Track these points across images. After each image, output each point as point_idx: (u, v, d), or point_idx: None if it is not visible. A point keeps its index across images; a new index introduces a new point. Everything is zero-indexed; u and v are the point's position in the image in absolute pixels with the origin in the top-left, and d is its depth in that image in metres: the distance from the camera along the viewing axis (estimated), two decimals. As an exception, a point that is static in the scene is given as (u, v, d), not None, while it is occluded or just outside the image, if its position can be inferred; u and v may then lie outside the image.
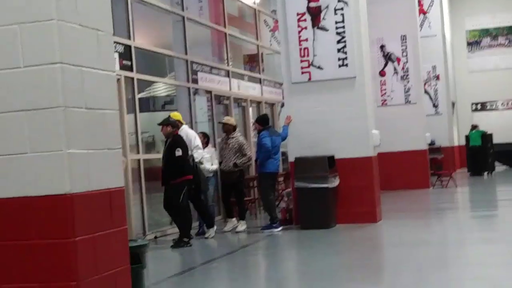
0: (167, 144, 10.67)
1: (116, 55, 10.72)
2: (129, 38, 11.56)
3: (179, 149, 10.44)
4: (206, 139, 12.28)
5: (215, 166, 12.18)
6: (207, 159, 11.83)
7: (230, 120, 12.48)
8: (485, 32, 30.11)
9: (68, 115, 4.38)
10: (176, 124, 10.82)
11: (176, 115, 11.33)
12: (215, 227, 11.53)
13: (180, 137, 10.75)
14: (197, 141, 11.34)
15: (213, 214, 12.00)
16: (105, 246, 4.62)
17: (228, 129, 12.19)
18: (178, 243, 10.45)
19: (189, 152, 10.93)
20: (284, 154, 14.57)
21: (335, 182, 11.67)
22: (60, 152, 4.35)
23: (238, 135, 12.25)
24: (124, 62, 11.30)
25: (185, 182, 10.58)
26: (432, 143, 21.59)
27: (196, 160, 11.20)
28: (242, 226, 12.04)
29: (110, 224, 4.70)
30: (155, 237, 11.58)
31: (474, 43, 30.36)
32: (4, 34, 4.43)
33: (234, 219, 12.21)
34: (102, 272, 4.57)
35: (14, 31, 4.41)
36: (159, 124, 10.81)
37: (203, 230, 11.68)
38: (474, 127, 25.02)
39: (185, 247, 10.37)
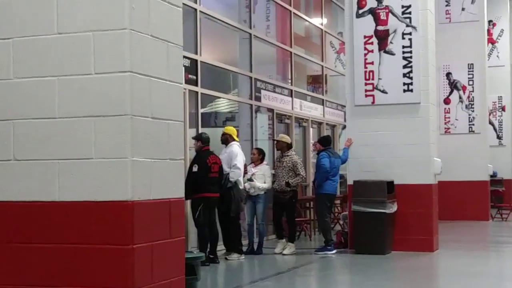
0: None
1: (183, 69, 10.83)
2: (196, 52, 11.69)
3: (196, 165, 10.36)
4: (261, 156, 11.90)
5: (266, 185, 11.69)
6: (259, 176, 11.61)
7: (284, 137, 12.14)
8: (555, 65, 29.48)
9: (135, 124, 4.44)
10: (207, 140, 10.60)
11: (229, 129, 11.34)
12: (242, 256, 11.09)
13: (203, 153, 10.50)
14: (237, 160, 10.93)
15: (262, 234, 11.76)
16: (162, 255, 4.65)
17: (282, 147, 11.88)
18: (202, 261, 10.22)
19: (227, 170, 10.83)
20: (343, 176, 14.46)
21: (393, 208, 11.53)
22: (124, 159, 4.41)
23: (292, 154, 11.87)
24: (190, 76, 11.42)
25: (202, 199, 10.33)
26: (494, 175, 21.19)
27: (232, 179, 10.84)
28: (290, 249, 11.67)
29: (168, 233, 4.73)
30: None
31: (542, 75, 29.74)
32: (78, 40, 4.53)
33: (284, 240, 11.89)
34: (157, 281, 4.60)
35: (88, 38, 4.50)
36: (193, 138, 10.82)
37: (252, 248, 11.64)
38: None
39: (206, 265, 9.83)
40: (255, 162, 11.80)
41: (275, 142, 12.11)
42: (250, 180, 11.47)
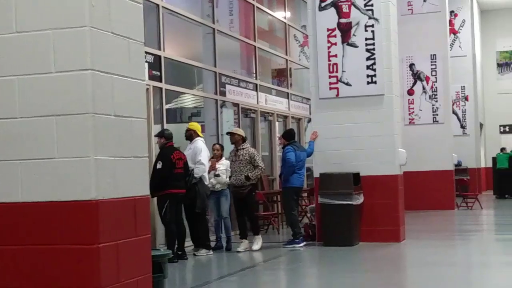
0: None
1: (146, 65, 10.78)
2: (159, 48, 11.63)
3: (160, 162, 10.29)
4: (221, 151, 11.86)
5: (229, 179, 11.62)
6: (222, 171, 11.55)
7: (239, 130, 11.85)
8: (516, 54, 29.91)
9: (97, 122, 4.40)
10: (170, 136, 10.54)
11: (193, 125, 11.31)
12: (210, 251, 11.10)
13: (167, 150, 10.43)
14: (201, 156, 10.90)
15: (228, 228, 11.72)
16: (128, 253, 4.62)
17: (237, 140, 11.52)
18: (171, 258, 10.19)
19: (192, 166, 10.81)
20: (310, 169, 14.52)
21: (359, 200, 11.61)
22: (87, 158, 4.36)
23: (248, 146, 11.60)
24: (153, 72, 11.36)
25: (168, 195, 10.28)
26: (458, 164, 21.45)
27: (196, 175, 10.81)
28: (257, 243, 11.47)
29: (133, 232, 4.70)
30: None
31: (504, 65, 30.18)
32: (37, 39, 4.47)
33: (247, 240, 11.52)
34: (124, 279, 4.57)
35: (47, 36, 4.44)
36: (155, 136, 10.76)
37: (220, 244, 11.65)
38: (502, 149, 24.79)
39: (174, 262, 9.87)
40: (217, 157, 11.72)
41: (230, 135, 11.72)
42: (217, 175, 11.43)
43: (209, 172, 11.35)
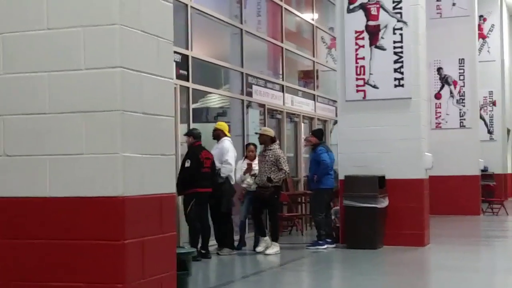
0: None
1: (174, 65, 10.81)
2: (187, 48, 11.67)
3: (188, 160, 10.33)
4: (256, 151, 11.80)
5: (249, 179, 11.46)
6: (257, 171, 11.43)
7: (267, 130, 11.55)
8: (545, 60, 29.60)
9: (125, 119, 4.43)
10: (198, 136, 10.54)
11: (221, 125, 11.33)
12: (233, 251, 11.09)
13: (196, 149, 10.46)
14: (228, 155, 10.90)
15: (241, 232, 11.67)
16: (153, 250, 4.65)
17: (265, 140, 11.24)
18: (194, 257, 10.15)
19: (219, 165, 10.83)
20: (335, 171, 14.46)
21: (384, 203, 11.56)
22: (115, 155, 4.40)
23: (276, 148, 11.26)
24: (181, 71, 11.41)
25: (194, 194, 10.32)
26: (485, 170, 21.26)
27: (223, 175, 10.83)
28: (273, 248, 11.15)
29: (159, 229, 4.73)
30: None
31: (533, 71, 29.85)
32: (67, 36, 4.52)
33: (267, 237, 11.30)
34: (148, 276, 4.60)
35: (78, 34, 4.49)
36: (184, 135, 10.80)
37: (244, 243, 11.62)
38: None
39: (197, 260, 9.68)
40: (252, 158, 11.65)
41: (258, 135, 11.57)
42: (254, 175, 11.33)
43: (245, 173, 11.36)
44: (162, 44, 4.85)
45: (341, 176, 11.96)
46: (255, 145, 11.99)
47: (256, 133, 11.92)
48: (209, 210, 10.87)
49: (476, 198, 18.95)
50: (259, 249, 11.22)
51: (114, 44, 4.43)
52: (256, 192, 11.30)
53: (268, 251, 11.07)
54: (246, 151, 11.92)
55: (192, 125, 11.66)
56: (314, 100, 17.63)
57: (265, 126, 14.47)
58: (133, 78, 4.53)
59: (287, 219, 14.51)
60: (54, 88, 4.54)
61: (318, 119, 17.77)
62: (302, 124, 16.92)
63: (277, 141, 11.63)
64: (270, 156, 11.10)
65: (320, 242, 11.70)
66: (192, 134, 10.61)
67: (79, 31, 4.49)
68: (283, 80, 15.83)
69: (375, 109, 11.92)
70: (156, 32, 4.78)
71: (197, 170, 10.34)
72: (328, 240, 11.77)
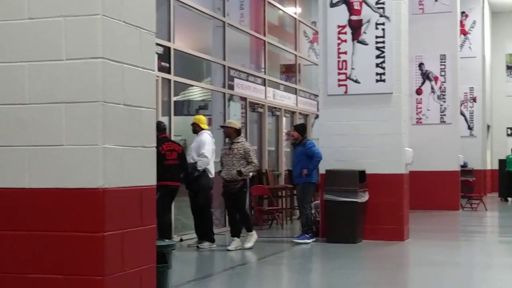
0: None
1: (155, 57, 10.77)
2: (169, 40, 11.63)
3: None
4: None
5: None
6: None
7: (232, 123, 11.22)
8: (525, 57, 29.82)
9: (106, 110, 4.40)
10: (162, 128, 10.25)
11: (198, 118, 11.21)
12: (213, 244, 10.96)
13: (159, 141, 10.03)
14: (205, 149, 10.80)
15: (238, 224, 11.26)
16: (133, 243, 4.63)
17: (231, 133, 10.92)
18: None
19: (196, 158, 10.78)
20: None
21: (364, 197, 11.61)
22: (95, 146, 4.37)
23: (243, 140, 11.02)
24: (163, 63, 11.37)
25: (161, 187, 9.84)
26: (464, 165, 21.40)
27: (199, 168, 10.74)
28: (249, 241, 10.90)
29: (139, 221, 4.71)
30: (181, 240, 11.60)
31: (513, 67, 30.07)
32: (48, 26, 4.47)
33: (238, 239, 10.90)
34: (128, 269, 4.58)
35: (59, 24, 4.45)
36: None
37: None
38: None
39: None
40: None
41: (224, 128, 11.19)
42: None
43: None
44: (144, 35, 4.81)
45: (322, 170, 11.98)
46: None
47: (220, 126, 11.53)
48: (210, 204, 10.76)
49: (456, 194, 19.10)
50: (230, 247, 10.79)
51: (96, 34, 4.39)
52: (224, 187, 11.01)
53: (246, 245, 10.86)
54: None
55: (174, 118, 11.63)
56: (295, 94, 17.64)
57: (246, 119, 14.50)
58: (115, 69, 4.50)
59: (268, 213, 14.53)
60: (34, 79, 4.50)
61: (300, 113, 17.79)
62: (284, 118, 16.93)
63: (242, 134, 11.33)
64: (239, 149, 10.79)
65: (308, 235, 11.66)
66: (156, 127, 10.47)
67: (60, 21, 4.45)
68: (265, 73, 15.83)
69: (357, 104, 11.95)
70: (138, 23, 4.75)
71: (159, 163, 10.17)
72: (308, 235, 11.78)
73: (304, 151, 11.79)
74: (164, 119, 11.38)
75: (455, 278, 8.79)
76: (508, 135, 29.86)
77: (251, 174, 11.29)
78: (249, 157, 10.79)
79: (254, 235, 11.03)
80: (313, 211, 12.46)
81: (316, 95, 16.30)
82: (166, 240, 5.86)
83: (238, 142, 10.86)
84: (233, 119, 13.80)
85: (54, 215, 4.44)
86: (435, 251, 11.28)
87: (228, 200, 11.07)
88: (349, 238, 11.38)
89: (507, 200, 23.75)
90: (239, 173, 10.72)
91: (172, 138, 11.65)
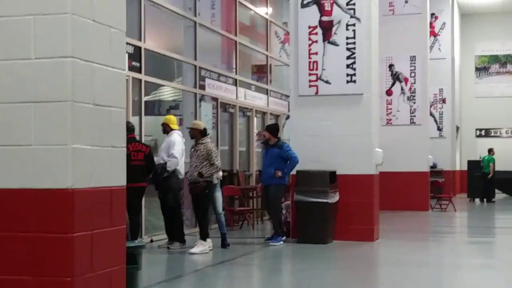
0: None
1: (126, 56, 10.71)
2: (139, 39, 11.57)
3: None
4: None
5: (220, 173, 11.20)
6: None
7: (196, 124, 11.02)
8: (494, 59, 30.15)
9: (76, 110, 4.36)
10: (130, 129, 9.93)
11: (167, 119, 11.12)
12: (184, 245, 10.81)
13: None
14: (174, 149, 10.70)
15: (223, 224, 11.21)
16: (103, 244, 4.60)
17: (195, 134, 10.76)
18: None
19: (166, 159, 10.71)
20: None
21: (335, 198, 11.64)
22: (65, 146, 4.33)
23: (207, 141, 10.73)
24: (133, 63, 11.30)
25: (128, 188, 10.01)
26: (434, 166, 21.58)
27: (169, 169, 10.66)
28: (198, 247, 10.50)
29: (109, 222, 4.68)
30: (151, 241, 11.55)
31: (482, 69, 30.39)
32: (17, 24, 4.42)
33: (204, 241, 10.63)
34: (98, 270, 4.55)
35: (28, 22, 4.40)
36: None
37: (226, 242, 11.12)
38: (489, 150, 24.61)
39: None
40: None
41: (189, 130, 10.98)
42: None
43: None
44: (114, 34, 4.78)
45: (292, 171, 11.99)
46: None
47: (187, 128, 11.37)
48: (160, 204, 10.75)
49: (425, 194, 19.23)
50: (193, 250, 10.53)
51: (65, 33, 4.36)
52: (189, 188, 10.87)
53: (192, 250, 10.50)
54: None
55: (144, 118, 11.57)
56: (267, 94, 17.65)
57: (217, 120, 14.47)
58: (85, 68, 4.46)
59: (239, 213, 14.52)
60: (2, 77, 4.45)
61: (271, 114, 17.80)
62: (255, 118, 16.92)
63: (209, 134, 11.13)
64: (202, 150, 10.62)
65: (280, 237, 11.63)
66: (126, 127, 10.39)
67: (29, 19, 4.41)
68: (236, 74, 15.81)
69: (327, 105, 11.98)
70: (108, 22, 4.71)
71: (129, 164, 10.07)
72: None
73: (280, 154, 11.72)
74: (135, 119, 11.32)
75: (424, 278, 8.85)
76: (476, 136, 30.16)
77: (220, 176, 11.13)
78: (211, 159, 10.60)
79: (204, 245, 10.62)
80: (284, 212, 12.46)
81: (287, 96, 16.32)
82: (136, 241, 5.82)
83: (202, 143, 10.69)
84: (204, 119, 13.78)
85: (23, 216, 4.40)
86: (405, 251, 11.35)
87: (193, 201, 10.94)
88: (320, 239, 11.40)
89: (482, 202, 23.91)
90: (200, 174, 10.56)
91: (143, 138, 11.61)
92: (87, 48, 4.49)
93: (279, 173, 11.59)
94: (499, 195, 26.06)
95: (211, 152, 10.62)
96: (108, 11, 4.72)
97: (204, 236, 10.69)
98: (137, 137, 10.88)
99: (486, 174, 23.77)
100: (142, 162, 10.32)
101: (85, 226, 4.43)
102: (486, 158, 24.25)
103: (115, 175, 4.79)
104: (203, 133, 10.81)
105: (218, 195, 11.17)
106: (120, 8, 4.90)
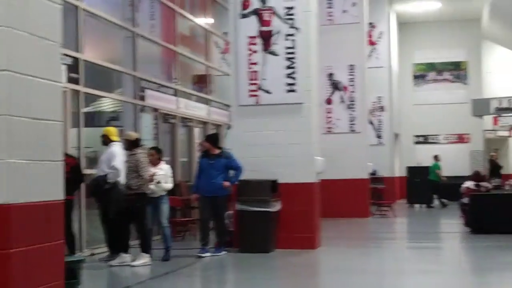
0: None
1: (64, 68, 10.59)
2: (77, 50, 11.45)
3: None
4: (158, 155, 11.23)
5: (170, 185, 11.16)
6: (161, 177, 10.93)
7: (127, 134, 10.92)
8: (431, 66, 30.70)
9: (11, 124, 4.30)
10: None
11: (107, 130, 11.03)
12: (128, 255, 10.52)
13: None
14: (116, 161, 10.59)
15: (168, 237, 11.10)
16: (40, 259, 4.54)
17: (128, 145, 10.60)
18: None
19: (106, 171, 10.60)
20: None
21: (276, 207, 11.69)
22: (0, 161, 4.26)
23: (139, 152, 10.51)
24: (71, 75, 11.18)
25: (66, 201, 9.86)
26: (373, 173, 21.85)
27: (110, 180, 10.54)
28: (139, 260, 10.35)
29: (46, 237, 4.62)
30: (92, 254, 11.40)
31: (420, 77, 30.90)
32: (-51, 37, 4.35)
33: (127, 255, 10.46)
34: (35, 286, 4.49)
35: (-40, 36, 4.33)
36: None
37: (167, 256, 10.98)
38: (435, 157, 24.91)
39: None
40: (154, 162, 11.02)
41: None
42: (158, 182, 10.83)
43: (151, 181, 10.71)
44: (49, 46, 4.73)
45: (234, 181, 11.99)
46: (156, 149, 11.55)
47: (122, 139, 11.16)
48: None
49: (366, 201, 19.44)
50: (112, 262, 10.42)
51: (0, 46, 4.29)
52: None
53: (134, 263, 10.33)
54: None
55: (84, 130, 11.44)
56: (208, 104, 17.64)
57: (157, 130, 14.39)
58: (20, 81, 4.41)
59: (181, 224, 14.45)
60: None
61: (212, 124, 17.80)
62: (196, 128, 16.89)
63: (143, 145, 10.92)
64: (131, 161, 10.46)
65: (223, 248, 11.56)
66: None
67: (-39, 32, 4.33)
68: (176, 84, 15.77)
69: (268, 114, 12.05)
70: (43, 34, 4.67)
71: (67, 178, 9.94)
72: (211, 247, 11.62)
73: (228, 164, 11.63)
74: (74, 131, 11.19)
75: (366, 285, 8.95)
76: (415, 143, 30.64)
77: (163, 187, 10.98)
78: (139, 170, 10.39)
79: (145, 258, 10.46)
80: (226, 221, 12.43)
81: (229, 106, 16.34)
82: (76, 256, 5.75)
83: (133, 154, 10.50)
84: (145, 130, 13.69)
85: (-43, 233, 4.31)
86: (346, 258, 11.46)
87: (125, 214, 10.63)
88: (262, 248, 11.43)
89: (425, 206, 24.23)
90: (128, 187, 10.41)
91: (82, 149, 11.47)
92: (22, 61, 4.44)
93: (228, 184, 11.54)
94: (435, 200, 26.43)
95: (139, 163, 10.39)
96: (43, 24, 4.68)
97: (144, 249, 10.54)
98: (71, 150, 10.72)
99: (431, 181, 24.08)
100: (68, 174, 10.13)
101: (23, 242, 4.36)
102: (432, 165, 24.57)
103: (52, 189, 4.73)
104: (135, 143, 10.62)
105: (164, 207, 11.04)
106: (55, 20, 4.85)
